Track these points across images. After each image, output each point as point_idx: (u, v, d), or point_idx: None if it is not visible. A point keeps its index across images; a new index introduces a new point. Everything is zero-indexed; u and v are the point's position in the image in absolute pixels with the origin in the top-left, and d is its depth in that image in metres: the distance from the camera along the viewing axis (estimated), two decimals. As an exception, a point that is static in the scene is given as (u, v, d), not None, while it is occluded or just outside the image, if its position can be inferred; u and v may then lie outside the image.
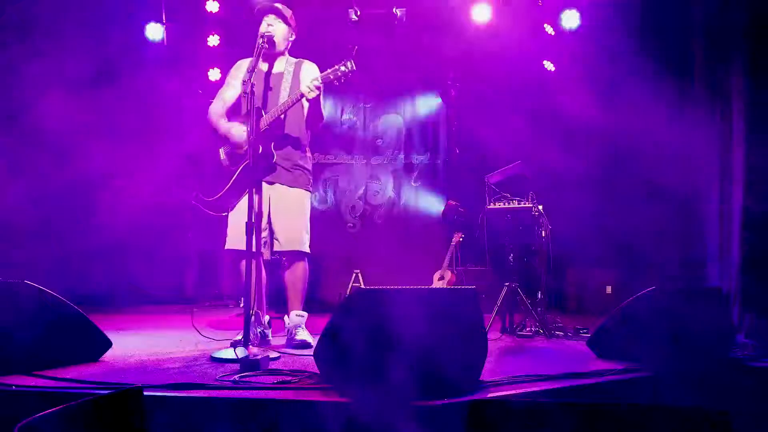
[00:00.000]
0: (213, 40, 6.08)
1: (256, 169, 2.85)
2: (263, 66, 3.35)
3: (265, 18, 3.31)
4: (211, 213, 3.35)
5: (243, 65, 3.46)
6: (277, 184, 3.27)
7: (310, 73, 3.32)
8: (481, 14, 5.58)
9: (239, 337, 3.02)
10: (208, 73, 6.17)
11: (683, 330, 2.75)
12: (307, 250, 3.34)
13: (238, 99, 3.36)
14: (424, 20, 5.76)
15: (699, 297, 3.09)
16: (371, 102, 6.45)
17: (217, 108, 3.40)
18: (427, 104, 6.47)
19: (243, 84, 2.87)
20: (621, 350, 2.92)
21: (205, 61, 6.16)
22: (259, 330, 3.23)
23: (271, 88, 3.31)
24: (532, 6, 5.65)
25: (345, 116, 6.41)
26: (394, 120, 6.46)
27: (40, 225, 5.00)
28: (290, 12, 3.40)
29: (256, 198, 2.84)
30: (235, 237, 3.22)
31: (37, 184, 4.96)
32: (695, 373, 2.68)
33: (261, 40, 3.13)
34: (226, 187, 3.23)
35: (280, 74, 3.35)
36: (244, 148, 3.19)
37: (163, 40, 5.91)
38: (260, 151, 3.05)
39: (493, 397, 2.18)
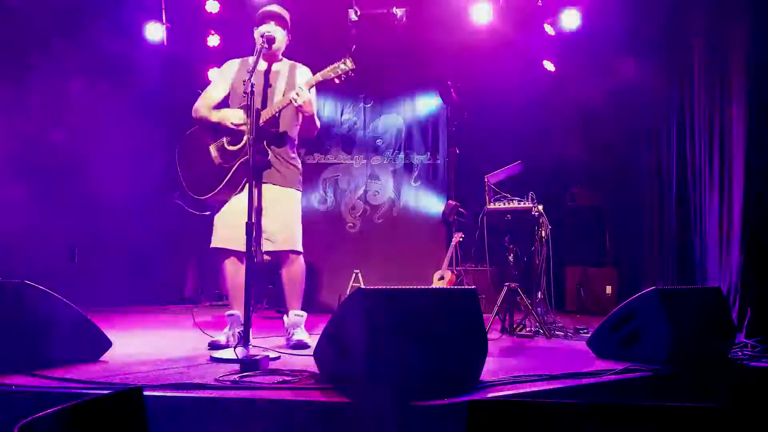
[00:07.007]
0: (213, 40, 6.07)
1: (255, 166, 2.86)
2: (261, 66, 3.40)
3: (266, 23, 3.37)
4: (194, 212, 3.41)
5: (233, 66, 3.52)
6: (269, 184, 3.30)
7: (304, 76, 3.41)
8: (481, 14, 5.58)
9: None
10: (208, 73, 6.16)
11: (683, 330, 2.76)
12: (301, 249, 3.38)
13: (224, 99, 3.45)
14: (424, 20, 5.75)
15: (699, 297, 3.09)
16: (371, 102, 6.45)
17: (204, 103, 3.43)
18: (427, 104, 6.45)
19: (243, 83, 2.89)
20: (621, 350, 2.92)
21: (205, 61, 6.15)
22: (238, 330, 3.19)
23: (269, 86, 3.38)
24: (532, 6, 5.64)
25: (345, 116, 6.40)
26: (394, 120, 6.45)
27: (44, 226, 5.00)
28: (288, 16, 3.48)
29: (255, 194, 2.86)
30: (224, 236, 3.29)
31: (36, 184, 4.96)
32: (695, 373, 2.68)
33: (261, 41, 3.17)
34: (222, 183, 3.26)
35: (276, 73, 3.43)
36: (240, 145, 3.25)
37: (163, 40, 5.90)
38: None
39: (493, 397, 2.18)
